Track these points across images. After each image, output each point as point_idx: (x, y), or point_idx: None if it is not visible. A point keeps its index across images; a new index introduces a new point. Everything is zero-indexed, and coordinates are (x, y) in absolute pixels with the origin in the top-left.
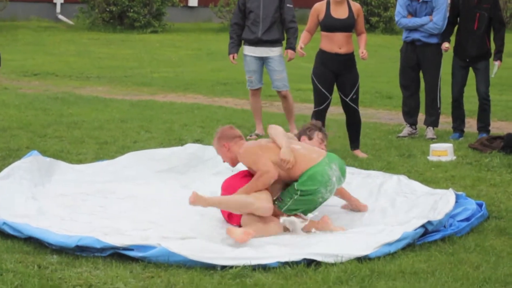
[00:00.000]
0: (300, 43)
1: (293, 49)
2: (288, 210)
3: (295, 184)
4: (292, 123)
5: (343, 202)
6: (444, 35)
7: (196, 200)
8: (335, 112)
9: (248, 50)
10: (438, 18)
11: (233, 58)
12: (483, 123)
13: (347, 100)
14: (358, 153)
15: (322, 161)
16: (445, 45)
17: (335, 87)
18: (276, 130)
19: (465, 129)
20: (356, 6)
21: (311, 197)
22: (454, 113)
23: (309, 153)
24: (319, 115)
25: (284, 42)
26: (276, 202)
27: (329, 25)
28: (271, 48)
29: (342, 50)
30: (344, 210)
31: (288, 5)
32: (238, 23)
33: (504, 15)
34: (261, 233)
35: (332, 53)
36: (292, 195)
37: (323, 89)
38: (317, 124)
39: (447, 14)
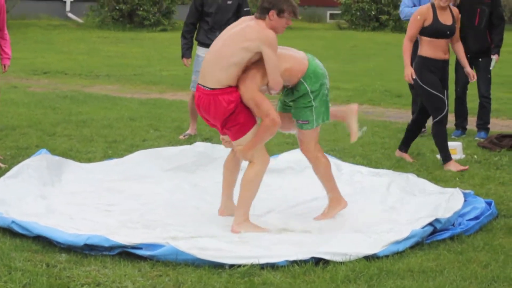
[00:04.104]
0: (409, 64)
1: None
2: (317, 121)
3: (307, 87)
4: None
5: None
6: None
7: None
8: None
9: (202, 51)
10: None
11: (187, 60)
12: (482, 120)
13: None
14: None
15: (309, 56)
16: None
17: None
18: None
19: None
20: (455, 11)
21: (320, 93)
22: (456, 110)
23: (297, 54)
24: (442, 123)
25: None
26: (304, 127)
27: (438, 31)
28: None
29: (447, 56)
30: (352, 206)
31: (245, 9)
32: (194, 23)
33: None
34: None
35: (440, 60)
36: (310, 107)
37: (441, 95)
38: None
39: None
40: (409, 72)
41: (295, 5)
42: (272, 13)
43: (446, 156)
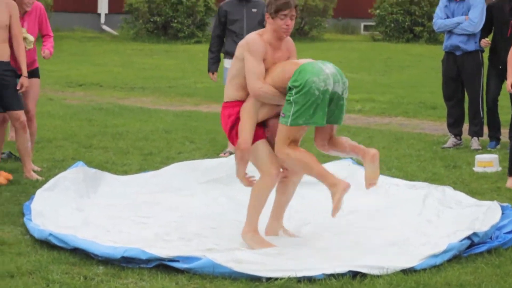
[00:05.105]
0: None
1: None
2: (295, 121)
3: (288, 85)
4: None
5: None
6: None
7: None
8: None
9: (229, 63)
10: (474, 16)
11: (213, 74)
12: None
13: None
14: None
15: (314, 61)
16: (484, 40)
17: None
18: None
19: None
20: None
21: (306, 90)
22: (489, 121)
23: (303, 60)
24: None
25: None
26: (280, 120)
27: None
28: None
29: None
30: (384, 218)
31: None
32: (219, 36)
33: None
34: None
35: None
36: (289, 100)
37: None
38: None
39: (484, 14)
40: (510, 82)
41: (286, 2)
42: (267, 17)
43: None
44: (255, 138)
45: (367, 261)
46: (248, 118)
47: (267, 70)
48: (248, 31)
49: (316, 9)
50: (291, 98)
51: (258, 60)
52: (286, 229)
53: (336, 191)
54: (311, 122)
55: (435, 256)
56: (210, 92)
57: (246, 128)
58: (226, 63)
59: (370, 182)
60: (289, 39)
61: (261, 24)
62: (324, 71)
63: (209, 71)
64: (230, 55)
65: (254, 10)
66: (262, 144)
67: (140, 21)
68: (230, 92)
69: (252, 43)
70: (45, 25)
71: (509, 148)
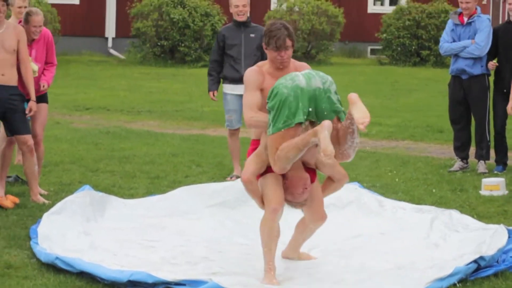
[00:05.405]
0: None
1: None
2: (276, 126)
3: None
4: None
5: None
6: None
7: None
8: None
9: (229, 88)
10: (480, 39)
11: (213, 95)
12: None
13: None
14: None
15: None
16: (491, 62)
17: None
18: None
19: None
20: None
21: (274, 92)
22: (496, 146)
23: None
24: None
25: None
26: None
27: None
28: None
29: None
30: (391, 241)
31: None
32: (217, 60)
33: None
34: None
35: None
36: (268, 110)
37: None
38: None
39: (490, 38)
40: (510, 105)
41: (278, 36)
42: (264, 46)
43: None
44: (268, 170)
45: (373, 285)
46: (255, 154)
47: None
48: (246, 56)
49: (323, 33)
50: (267, 107)
51: (250, 91)
52: (301, 253)
53: (320, 134)
54: (291, 122)
55: (441, 279)
56: (217, 116)
57: (248, 161)
58: (225, 88)
59: (361, 122)
60: (305, 65)
61: (259, 49)
62: (291, 75)
63: (209, 90)
64: (228, 80)
65: (252, 35)
66: (271, 176)
67: (147, 45)
68: (253, 130)
69: (245, 75)
70: (51, 53)
71: None
